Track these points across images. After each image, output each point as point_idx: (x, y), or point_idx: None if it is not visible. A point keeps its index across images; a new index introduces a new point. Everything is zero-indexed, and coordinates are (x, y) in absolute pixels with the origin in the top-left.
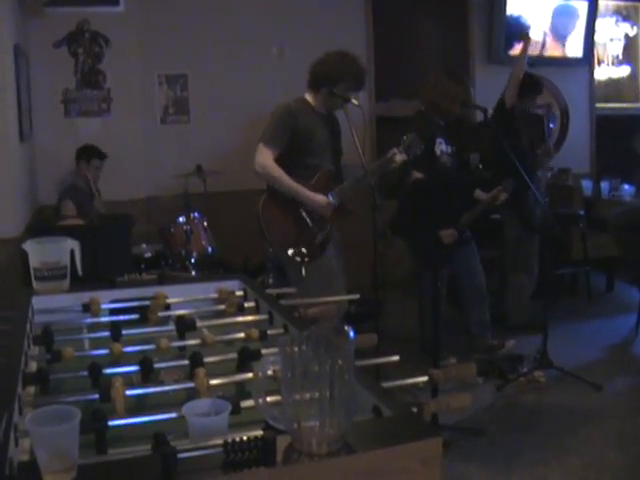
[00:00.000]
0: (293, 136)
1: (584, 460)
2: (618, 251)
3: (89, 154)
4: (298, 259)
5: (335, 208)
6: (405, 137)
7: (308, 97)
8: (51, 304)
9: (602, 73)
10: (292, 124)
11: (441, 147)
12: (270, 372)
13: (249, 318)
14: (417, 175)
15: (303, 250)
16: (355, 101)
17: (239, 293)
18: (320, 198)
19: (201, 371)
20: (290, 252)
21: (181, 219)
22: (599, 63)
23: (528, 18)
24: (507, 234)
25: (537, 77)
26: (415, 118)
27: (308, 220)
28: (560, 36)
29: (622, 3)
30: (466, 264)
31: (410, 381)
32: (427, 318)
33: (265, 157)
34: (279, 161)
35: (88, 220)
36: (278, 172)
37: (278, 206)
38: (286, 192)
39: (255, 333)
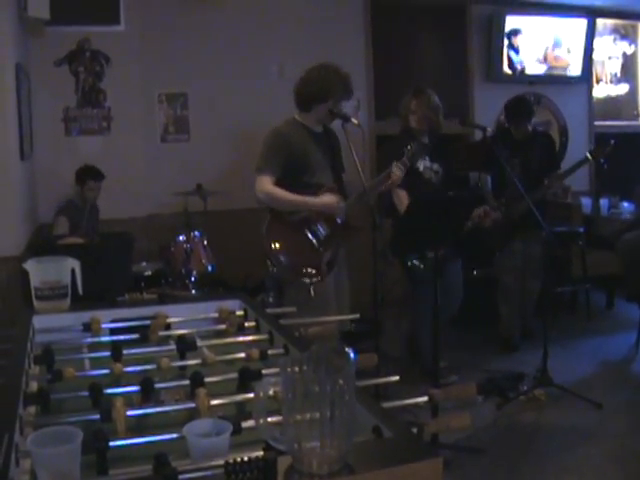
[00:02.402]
0: (288, 158)
1: (584, 478)
2: (621, 270)
3: (84, 176)
4: (307, 280)
5: (341, 226)
6: (409, 146)
7: (299, 117)
8: (52, 323)
9: (601, 91)
10: (285, 147)
11: (424, 163)
12: (271, 392)
13: (249, 338)
14: (399, 192)
15: (311, 271)
16: (355, 120)
17: (239, 313)
18: (328, 198)
19: (202, 391)
20: (302, 276)
21: (181, 237)
22: (598, 81)
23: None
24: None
25: (527, 103)
26: (398, 137)
27: (314, 241)
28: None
29: (620, 22)
30: (447, 280)
31: (410, 401)
32: (424, 337)
33: (264, 184)
34: (279, 185)
35: (88, 238)
36: (280, 193)
37: (283, 228)
38: (294, 208)
39: (255, 353)
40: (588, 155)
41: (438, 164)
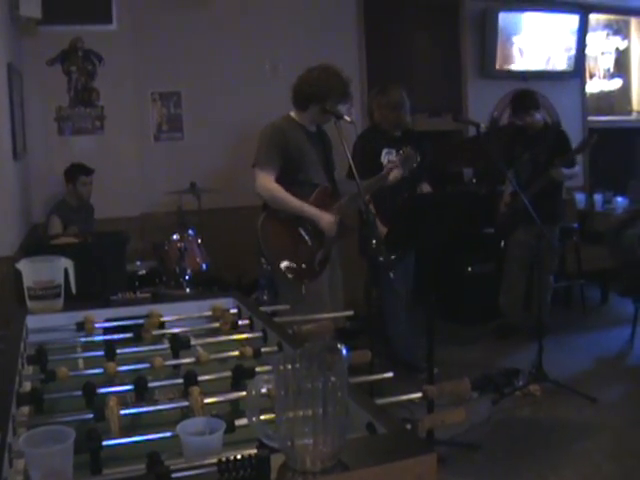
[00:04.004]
0: (284, 154)
1: (580, 473)
2: (612, 263)
3: (74, 173)
4: (298, 277)
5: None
6: (401, 151)
7: (294, 115)
8: (45, 323)
9: (594, 86)
10: (282, 142)
11: (389, 157)
12: (264, 390)
13: (243, 336)
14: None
15: (303, 268)
16: (348, 118)
17: (233, 311)
18: (328, 217)
19: (195, 390)
20: (290, 271)
21: (175, 236)
22: (591, 76)
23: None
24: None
25: (530, 94)
26: (366, 134)
27: (307, 238)
28: None
29: (613, 17)
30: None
31: (404, 397)
32: (394, 330)
33: (266, 180)
34: (275, 181)
35: (82, 238)
36: (282, 193)
37: (277, 225)
38: (292, 212)
39: (249, 351)
40: (578, 148)
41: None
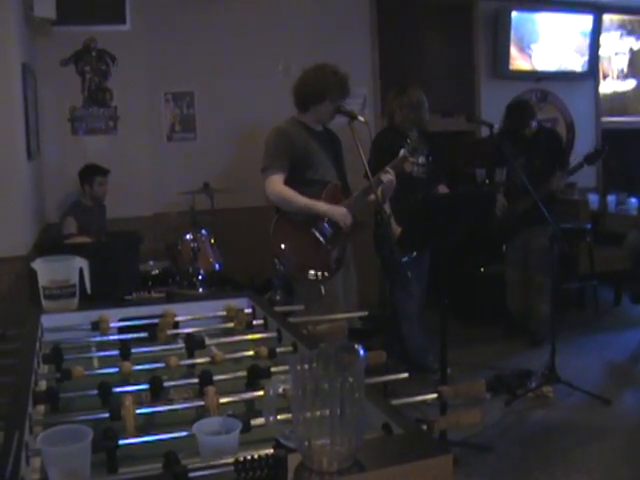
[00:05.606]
0: (290, 156)
1: (593, 476)
2: (629, 268)
3: (91, 174)
4: (316, 278)
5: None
6: (409, 140)
7: (298, 116)
8: (60, 322)
9: (607, 87)
10: (287, 145)
11: None
12: (280, 390)
13: (258, 336)
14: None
15: (319, 269)
16: (362, 118)
17: (247, 311)
18: (340, 209)
19: (211, 389)
20: (310, 272)
21: (188, 236)
22: (604, 77)
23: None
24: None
25: (529, 104)
26: (384, 133)
27: (321, 239)
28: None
29: (627, 17)
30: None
31: (419, 398)
32: (409, 331)
33: (275, 184)
34: (285, 182)
35: (96, 238)
36: (291, 194)
37: (290, 227)
38: (303, 210)
39: (264, 351)
40: (584, 162)
41: (423, 157)
